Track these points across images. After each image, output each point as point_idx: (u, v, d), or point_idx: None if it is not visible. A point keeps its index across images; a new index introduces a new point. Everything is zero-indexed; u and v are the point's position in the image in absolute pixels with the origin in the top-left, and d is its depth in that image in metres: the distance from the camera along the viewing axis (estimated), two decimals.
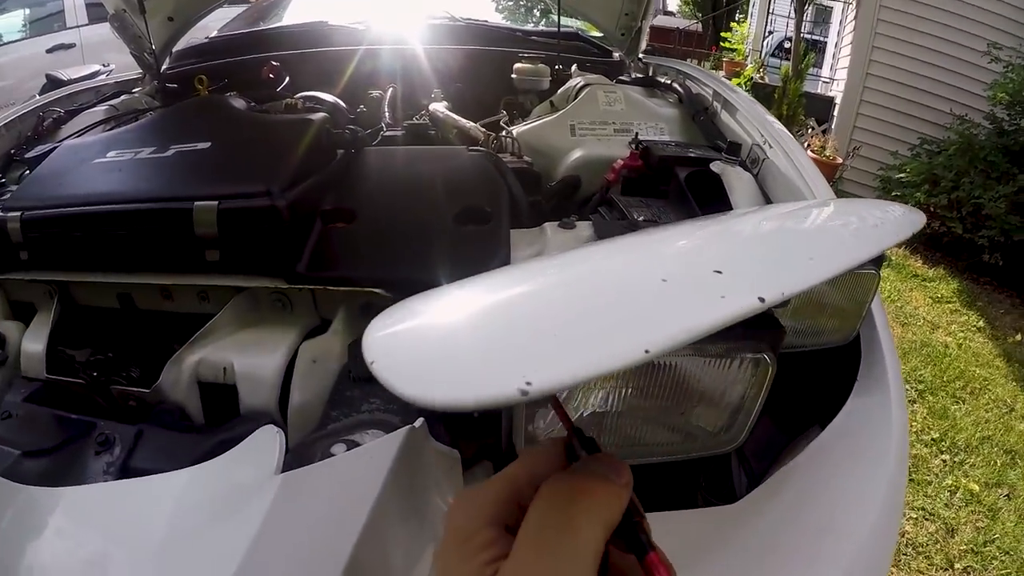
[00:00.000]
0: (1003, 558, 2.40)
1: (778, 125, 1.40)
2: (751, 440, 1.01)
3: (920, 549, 2.37)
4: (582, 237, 1.00)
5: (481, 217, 1.03)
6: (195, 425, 0.93)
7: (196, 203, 0.94)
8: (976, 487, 2.70)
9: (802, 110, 6.78)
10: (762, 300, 0.28)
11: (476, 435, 0.82)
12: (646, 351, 0.25)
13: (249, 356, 0.91)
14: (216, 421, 0.92)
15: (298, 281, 0.95)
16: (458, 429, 0.82)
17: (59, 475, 0.80)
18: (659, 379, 0.66)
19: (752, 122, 1.41)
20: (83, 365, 0.99)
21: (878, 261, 0.84)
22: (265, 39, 2.49)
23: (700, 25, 13.23)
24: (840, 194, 6.16)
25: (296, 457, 0.71)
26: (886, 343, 0.96)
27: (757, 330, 0.64)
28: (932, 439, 2.97)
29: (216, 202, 0.93)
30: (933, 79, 5.99)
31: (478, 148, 1.27)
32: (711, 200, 1.15)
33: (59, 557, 0.66)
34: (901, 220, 0.47)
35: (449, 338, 0.30)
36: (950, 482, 2.72)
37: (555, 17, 2.26)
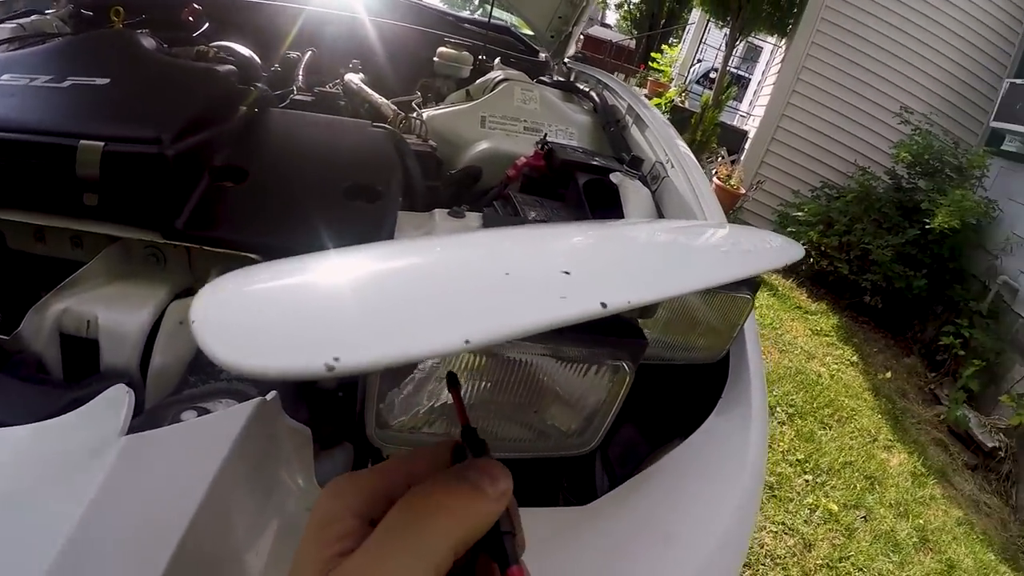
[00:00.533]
0: (856, 574, 2.58)
1: (684, 148, 1.43)
2: (616, 445, 1.03)
3: (778, 560, 2.51)
4: (470, 228, 0.99)
5: (371, 194, 1.00)
6: (51, 379, 0.86)
7: (81, 141, 0.87)
8: (835, 507, 2.89)
9: (715, 138, 7.04)
10: (604, 306, 0.28)
11: (336, 416, 0.80)
12: (466, 342, 0.25)
13: (115, 311, 0.86)
14: (75, 376, 0.86)
15: (175, 237, 0.90)
16: (321, 409, 0.80)
17: None
18: (516, 376, 0.66)
19: (660, 141, 1.43)
20: None
21: (753, 286, 0.86)
22: None
23: (634, 42, 13.52)
24: (736, 222, 6.45)
25: (148, 421, 0.67)
26: (754, 365, 1.00)
27: (619, 339, 0.65)
28: (797, 459, 3.14)
29: (102, 143, 0.87)
30: (843, 129, 6.37)
31: (383, 125, 1.24)
32: (606, 209, 1.16)
33: None
34: (777, 250, 0.48)
35: (271, 307, 0.29)
36: (811, 501, 2.89)
37: (493, 8, 2.24)
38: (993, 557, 3.02)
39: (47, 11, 1.91)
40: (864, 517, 2.94)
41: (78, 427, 0.65)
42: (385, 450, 0.79)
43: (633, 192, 1.16)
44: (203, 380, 0.77)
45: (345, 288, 0.31)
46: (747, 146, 7.01)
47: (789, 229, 5.76)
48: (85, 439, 0.63)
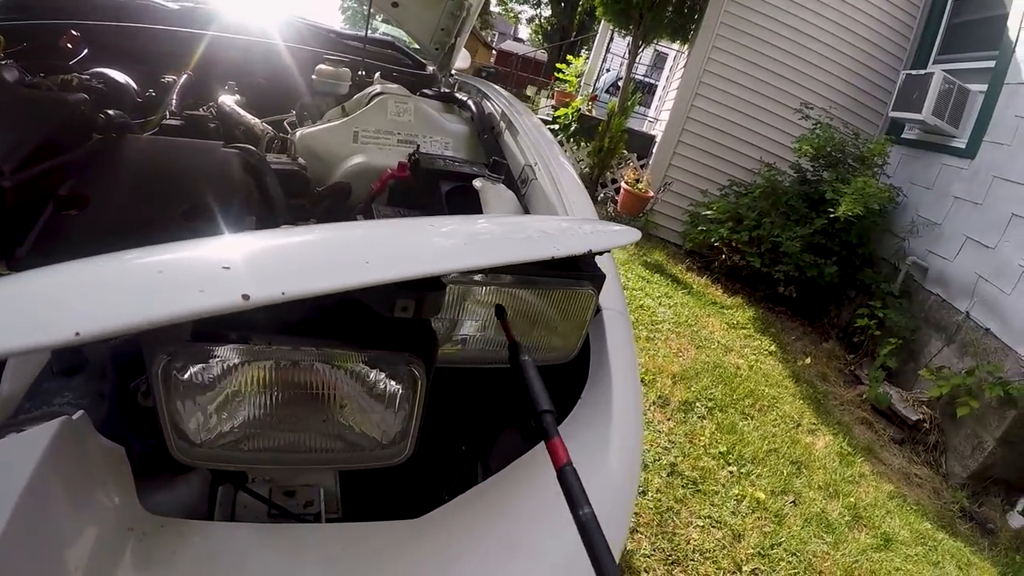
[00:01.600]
0: (790, 559, 2.60)
1: (556, 150, 1.44)
2: (499, 451, 1.01)
3: (707, 555, 2.49)
4: None
5: (209, 215, 1.00)
6: None
7: None
8: (762, 495, 2.90)
9: (623, 144, 7.17)
10: (246, 297, 0.27)
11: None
12: (76, 333, 0.26)
13: None
14: None
15: (16, 266, 0.90)
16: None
17: None
18: (302, 384, 0.64)
19: (531, 145, 1.44)
20: None
21: (596, 281, 0.86)
22: (73, 4, 2.27)
23: (546, 55, 13.71)
24: (649, 224, 6.61)
25: None
26: (620, 360, 1.00)
27: (405, 343, 0.63)
28: (720, 452, 3.15)
29: None
30: (747, 128, 6.57)
31: (239, 145, 1.21)
32: (469, 213, 1.16)
33: None
34: (585, 236, 0.47)
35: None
36: (737, 491, 2.90)
37: (369, 22, 2.22)
38: (929, 526, 3.09)
39: None
40: (793, 502, 2.96)
41: None
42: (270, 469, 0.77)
43: (495, 196, 1.16)
44: (37, 406, 0.76)
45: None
46: (655, 150, 7.16)
47: (700, 228, 5.91)
48: None
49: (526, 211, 1.22)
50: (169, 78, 1.89)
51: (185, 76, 1.88)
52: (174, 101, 1.72)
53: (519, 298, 0.79)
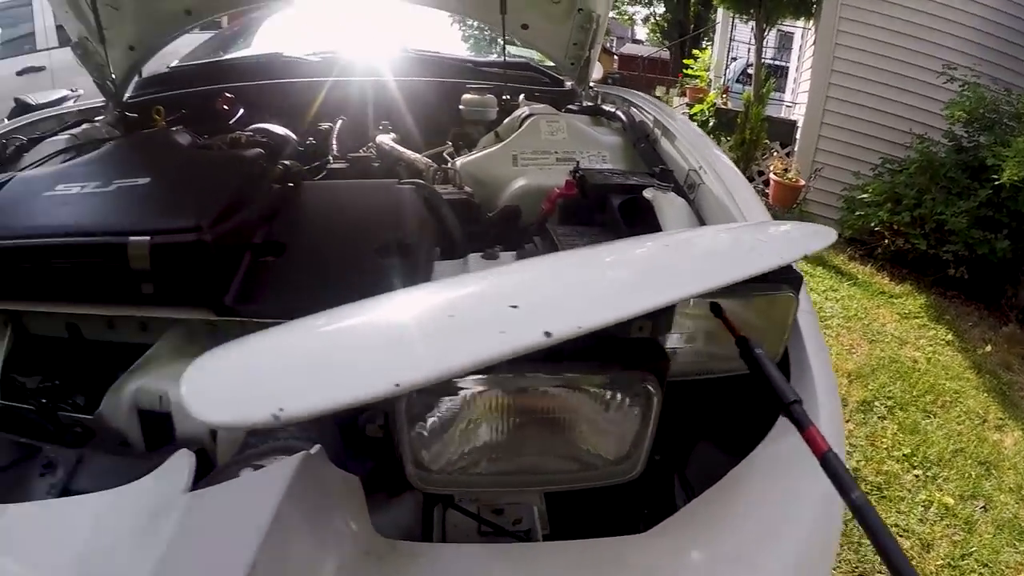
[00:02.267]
0: (981, 571, 2.39)
1: (717, 151, 1.42)
2: (694, 464, 1.00)
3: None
4: None
5: (403, 250, 1.04)
6: (133, 450, 0.96)
7: (131, 238, 0.96)
8: (951, 500, 2.70)
9: (765, 134, 6.87)
10: (548, 335, 0.28)
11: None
12: (396, 385, 0.28)
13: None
14: (155, 446, 0.96)
15: (226, 313, 0.98)
16: (384, 458, 0.84)
17: (6, 494, 0.83)
18: (540, 410, 0.66)
19: (691, 148, 1.43)
20: (32, 391, 1.02)
21: (796, 284, 0.83)
22: (222, 70, 2.53)
23: (668, 52, 13.48)
24: (804, 215, 6.26)
25: (211, 480, 0.72)
26: (817, 363, 0.96)
27: (639, 361, 0.64)
28: (903, 455, 2.96)
29: (148, 237, 0.96)
30: (891, 100, 6.11)
31: (412, 181, 1.28)
32: (646, 227, 1.15)
33: None
34: (794, 241, 0.46)
35: (235, 371, 0.34)
36: (923, 497, 2.71)
37: (513, 46, 2.28)
38: None
39: (96, 118, 2.06)
40: (983, 507, 2.73)
41: (148, 489, 0.71)
42: (480, 490, 0.82)
43: (668, 205, 1.15)
44: (263, 441, 0.82)
45: (300, 348, 0.34)
46: (798, 136, 6.84)
47: (857, 213, 5.54)
48: (154, 499, 0.69)
49: (698, 217, 1.20)
50: (325, 125, 2.03)
51: (340, 121, 2.01)
52: (335, 146, 1.84)
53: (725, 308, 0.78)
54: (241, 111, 2.10)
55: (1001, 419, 3.40)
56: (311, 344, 0.35)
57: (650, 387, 0.63)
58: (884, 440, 3.05)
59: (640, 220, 1.15)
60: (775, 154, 6.99)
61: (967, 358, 4.06)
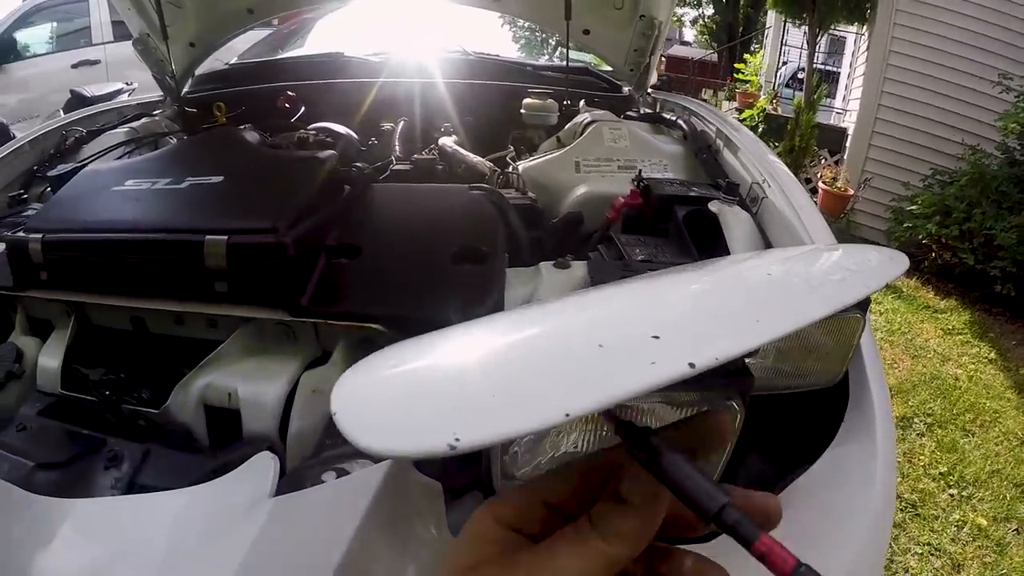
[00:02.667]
0: None
1: (779, 164, 1.43)
2: (742, 478, 1.03)
3: None
4: (576, 277, 1.03)
5: (478, 257, 1.06)
6: (200, 446, 0.97)
7: (207, 237, 0.97)
8: (984, 521, 2.68)
9: (815, 141, 6.78)
10: (692, 366, 0.30)
11: (464, 468, 0.85)
12: (566, 415, 0.27)
13: (253, 383, 0.96)
14: (220, 443, 0.97)
15: (301, 314, 0.99)
16: (449, 461, 0.85)
17: (69, 488, 0.85)
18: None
19: (753, 160, 1.44)
20: (96, 383, 1.04)
21: (864, 305, 0.86)
22: (282, 68, 2.57)
23: (716, 56, 13.31)
24: (851, 225, 6.17)
25: (291, 482, 0.74)
26: (876, 385, 0.98)
27: (725, 378, 0.66)
28: (940, 473, 2.94)
29: (226, 236, 0.97)
30: (945, 109, 6.00)
31: (481, 186, 1.30)
32: (709, 239, 1.18)
33: (63, 567, 0.70)
34: (875, 269, 0.49)
35: (393, 393, 0.33)
36: (957, 516, 2.70)
37: (569, 52, 2.30)
38: None
39: (154, 112, 2.12)
40: (1016, 530, 2.70)
41: (230, 491, 0.73)
42: None
43: (733, 219, 1.17)
44: (339, 443, 0.84)
45: (459, 370, 0.35)
46: (848, 144, 6.73)
47: (905, 225, 5.46)
48: (237, 502, 0.71)
49: (761, 231, 1.22)
50: (387, 126, 2.06)
51: (402, 122, 2.04)
52: (397, 147, 1.88)
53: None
54: (303, 109, 2.14)
55: None
56: (463, 365, 0.36)
57: (735, 404, 0.66)
58: (922, 457, 3.03)
59: (705, 233, 1.18)
60: (824, 162, 6.90)
61: (1009, 377, 3.98)
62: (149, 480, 0.86)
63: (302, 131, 1.77)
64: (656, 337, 0.33)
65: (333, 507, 0.67)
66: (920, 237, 5.28)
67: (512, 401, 0.29)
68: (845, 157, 6.73)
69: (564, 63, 2.29)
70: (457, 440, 0.26)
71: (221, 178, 1.16)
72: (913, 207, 5.46)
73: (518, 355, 0.37)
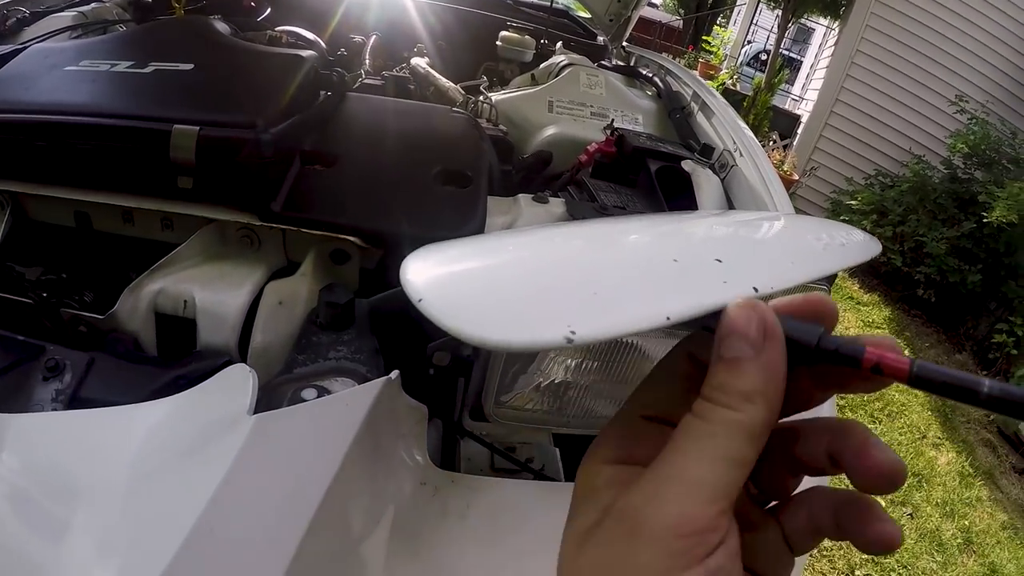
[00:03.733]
0: (900, 571, 2.60)
1: (750, 134, 1.42)
2: None
3: (825, 553, 2.52)
4: (555, 213, 1.01)
5: (461, 180, 1.01)
6: (150, 357, 0.88)
7: (176, 126, 0.87)
8: (882, 502, 2.84)
9: (768, 122, 6.90)
10: (756, 290, 0.30)
11: (430, 395, 0.82)
12: (667, 318, 0.26)
13: (212, 291, 0.87)
14: (170, 355, 0.88)
15: (272, 219, 0.91)
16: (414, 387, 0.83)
17: (2, 400, 0.74)
18: (623, 357, 0.68)
19: (727, 128, 1.43)
20: (33, 284, 0.92)
21: (830, 279, 0.87)
22: None
23: (681, 22, 13.28)
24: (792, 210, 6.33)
25: (264, 397, 0.68)
26: None
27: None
28: None
29: (197, 127, 0.87)
30: (898, 116, 6.19)
31: (459, 110, 1.26)
32: (677, 197, 1.17)
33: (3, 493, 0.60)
34: (862, 244, 0.49)
35: (496, 282, 0.31)
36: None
37: None
38: None
39: None
40: (910, 514, 2.93)
41: (203, 405, 0.67)
42: (489, 426, 0.82)
43: (705, 180, 1.16)
44: (312, 359, 0.78)
45: (548, 266, 0.33)
46: (800, 131, 6.87)
47: (842, 217, 5.63)
48: (212, 417, 0.64)
49: (728, 198, 1.22)
50: (357, 38, 1.96)
51: (374, 37, 1.95)
52: (367, 61, 1.79)
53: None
54: (268, 10, 2.02)
55: (939, 438, 3.59)
56: (547, 264, 0.33)
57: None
58: None
59: (674, 190, 1.17)
60: (773, 144, 7.03)
61: None
62: (95, 394, 0.76)
63: (273, 30, 1.66)
64: (719, 260, 0.33)
65: (319, 427, 0.63)
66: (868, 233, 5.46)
67: (615, 300, 0.28)
68: (794, 143, 6.87)
69: (543, 3, 2.22)
70: (573, 333, 0.24)
71: (191, 67, 1.04)
72: (852, 202, 5.64)
73: (602, 261, 0.35)
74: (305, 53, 1.17)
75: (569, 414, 0.74)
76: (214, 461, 0.57)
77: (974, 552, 2.86)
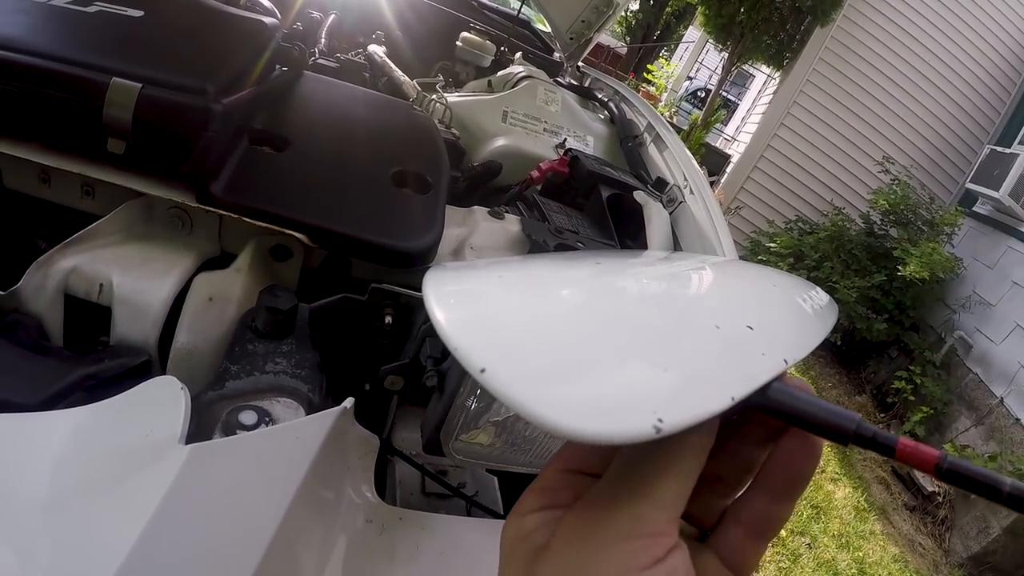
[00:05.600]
0: None
1: (701, 173, 1.44)
2: None
3: None
4: (510, 231, 0.97)
5: (421, 184, 0.94)
6: (55, 348, 0.75)
7: (114, 79, 0.74)
8: (783, 532, 3.03)
9: (699, 158, 7.11)
10: (786, 362, 0.29)
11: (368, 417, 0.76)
12: (732, 399, 0.26)
13: (133, 276, 0.76)
14: (78, 347, 0.77)
15: (210, 202, 0.79)
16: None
17: None
18: None
19: (679, 163, 1.43)
20: None
21: None
22: None
23: (625, 49, 13.54)
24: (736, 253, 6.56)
25: (194, 417, 0.58)
26: None
27: None
28: None
29: (139, 84, 0.75)
30: (825, 168, 6.51)
31: (419, 108, 1.21)
32: (625, 226, 1.16)
33: None
34: (829, 308, 0.48)
35: (565, 350, 0.28)
36: None
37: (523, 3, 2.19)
38: None
39: None
40: (809, 544, 3.09)
41: (125, 425, 0.57)
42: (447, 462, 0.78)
43: (656, 214, 1.16)
44: (247, 371, 0.68)
45: (607, 328, 0.31)
46: (728, 170, 7.09)
47: (760, 258, 5.86)
48: (136, 442, 0.54)
49: (673, 235, 1.22)
50: (315, 14, 1.88)
51: (333, 16, 1.87)
52: (323, 40, 1.71)
53: None
54: None
55: (837, 474, 3.81)
56: (611, 326, 0.31)
57: None
58: None
59: (626, 221, 1.16)
60: None
61: None
62: None
63: None
64: (750, 328, 0.32)
65: (267, 464, 0.54)
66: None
67: (689, 382, 0.27)
68: (722, 181, 7.08)
69: (511, 11, 2.20)
70: (660, 421, 0.22)
71: (141, 13, 0.90)
72: (772, 244, 5.86)
73: (650, 322, 0.33)
74: (268, 20, 1.04)
75: (532, 454, 0.70)
76: (142, 495, 0.49)
77: None
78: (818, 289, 0.52)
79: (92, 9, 0.87)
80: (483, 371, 0.24)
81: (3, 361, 0.66)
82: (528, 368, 0.25)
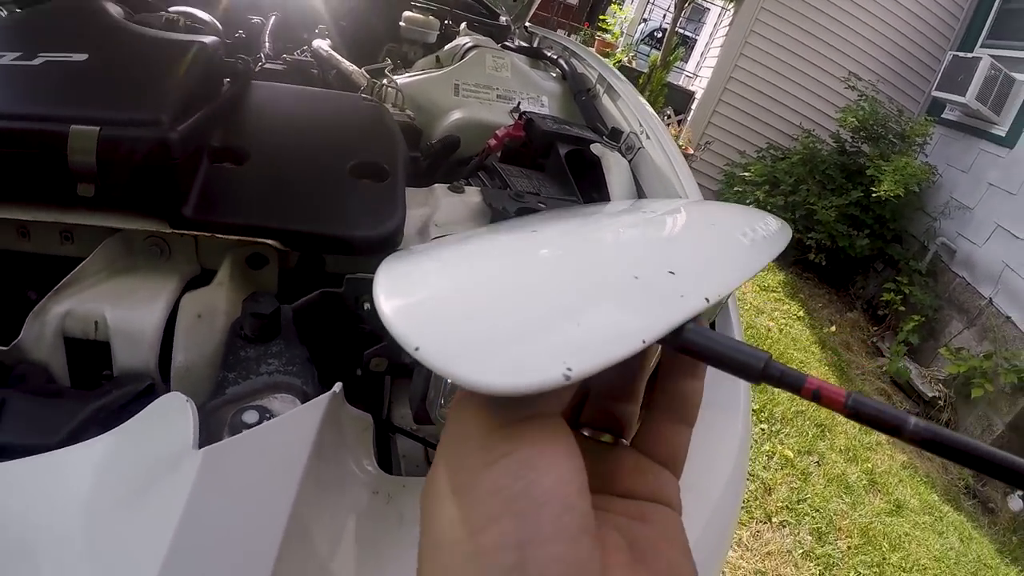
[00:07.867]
0: (814, 514, 2.82)
1: (656, 117, 1.46)
2: None
3: (743, 504, 2.69)
4: (471, 203, 1.00)
5: (378, 173, 0.97)
6: (66, 389, 0.78)
7: (72, 127, 0.76)
8: (791, 453, 3.10)
9: (663, 98, 7.08)
10: (707, 300, 0.31)
11: (360, 397, 0.80)
12: (643, 341, 0.27)
13: (124, 308, 0.79)
14: (85, 384, 0.80)
15: (183, 225, 0.83)
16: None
17: None
18: None
19: (632, 110, 1.45)
20: None
21: None
22: None
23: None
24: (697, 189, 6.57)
25: (203, 425, 0.61)
26: (737, 333, 1.09)
27: None
28: (753, 409, 3.31)
29: (97, 128, 0.76)
30: (789, 92, 6.50)
31: (368, 97, 1.22)
32: (587, 180, 1.19)
33: None
34: (778, 233, 0.51)
35: (482, 317, 0.30)
36: (768, 448, 3.10)
37: None
38: (936, 498, 3.30)
39: None
40: (817, 462, 3.16)
41: (142, 443, 0.60)
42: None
43: (615, 164, 1.19)
44: (244, 376, 0.72)
45: (527, 292, 0.33)
46: (694, 107, 7.07)
47: (736, 189, 5.89)
48: (155, 456, 0.58)
49: (636, 182, 1.25)
50: (256, 19, 1.87)
51: (273, 17, 1.86)
52: (267, 43, 1.71)
53: None
54: None
55: None
56: (532, 285, 0.34)
57: None
58: None
59: (586, 174, 1.18)
60: (668, 119, 7.21)
61: (814, 334, 4.50)
62: (14, 439, 0.67)
63: (167, 12, 1.55)
64: (672, 272, 0.34)
65: (271, 453, 0.58)
66: (748, 202, 5.72)
67: (597, 330, 0.28)
68: (689, 118, 7.07)
69: None
70: (569, 370, 0.24)
71: (85, 56, 0.92)
72: (746, 174, 5.89)
73: (569, 281, 0.35)
74: (208, 39, 1.05)
75: None
76: (166, 503, 0.53)
77: (879, 491, 3.15)
78: (769, 217, 0.55)
79: (38, 61, 0.89)
80: (417, 349, 0.26)
81: (20, 410, 0.69)
82: (456, 340, 0.27)
